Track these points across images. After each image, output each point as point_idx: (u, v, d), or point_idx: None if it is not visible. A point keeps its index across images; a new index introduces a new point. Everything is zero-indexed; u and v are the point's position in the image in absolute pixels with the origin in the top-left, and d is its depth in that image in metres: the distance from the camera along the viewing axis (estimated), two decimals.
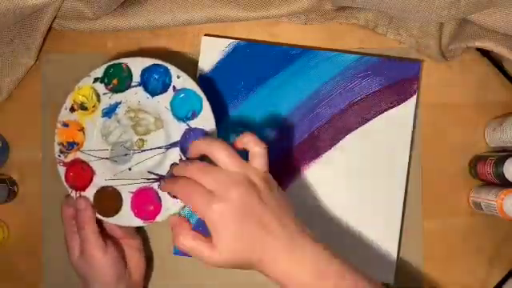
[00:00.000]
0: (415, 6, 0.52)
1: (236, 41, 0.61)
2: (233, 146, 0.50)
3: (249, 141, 0.50)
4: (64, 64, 0.62)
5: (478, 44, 0.59)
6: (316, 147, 0.61)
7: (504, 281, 0.62)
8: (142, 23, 0.60)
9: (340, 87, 0.61)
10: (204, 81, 0.61)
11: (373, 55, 0.61)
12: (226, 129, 0.61)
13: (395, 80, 0.61)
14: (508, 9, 0.53)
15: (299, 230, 0.48)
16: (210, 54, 0.61)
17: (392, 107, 0.61)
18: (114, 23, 0.60)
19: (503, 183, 0.57)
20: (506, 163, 0.55)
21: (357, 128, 0.61)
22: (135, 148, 0.56)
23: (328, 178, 0.61)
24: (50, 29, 0.60)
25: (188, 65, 0.62)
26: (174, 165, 0.55)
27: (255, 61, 0.61)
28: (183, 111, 0.56)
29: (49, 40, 0.62)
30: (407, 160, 0.61)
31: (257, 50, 0.61)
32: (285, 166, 0.61)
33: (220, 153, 0.49)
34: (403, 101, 0.61)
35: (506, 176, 0.55)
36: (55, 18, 0.59)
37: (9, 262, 0.62)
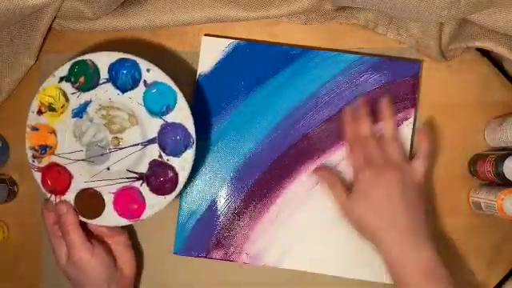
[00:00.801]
0: (415, 6, 0.52)
1: (236, 41, 0.61)
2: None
3: (421, 145, 0.57)
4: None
5: (478, 44, 0.59)
6: (315, 147, 0.61)
7: (504, 281, 0.62)
8: (142, 23, 0.60)
9: (340, 87, 0.61)
10: (204, 81, 0.61)
11: (373, 55, 0.61)
12: (227, 128, 0.61)
13: (395, 80, 0.61)
14: (508, 9, 0.53)
15: (427, 231, 0.54)
16: (210, 54, 0.61)
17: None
18: (114, 23, 0.60)
19: (503, 182, 0.57)
20: (505, 162, 0.55)
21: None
22: (111, 147, 0.55)
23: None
24: (50, 29, 0.60)
25: (188, 65, 0.62)
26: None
27: (255, 61, 0.61)
28: (157, 106, 0.54)
29: (49, 40, 0.62)
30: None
31: (257, 50, 0.61)
32: (284, 164, 0.61)
33: (393, 145, 0.57)
34: (403, 101, 0.61)
35: (506, 175, 0.55)
36: (55, 17, 0.59)
37: (9, 262, 0.62)
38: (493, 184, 0.60)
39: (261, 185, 0.61)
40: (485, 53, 0.62)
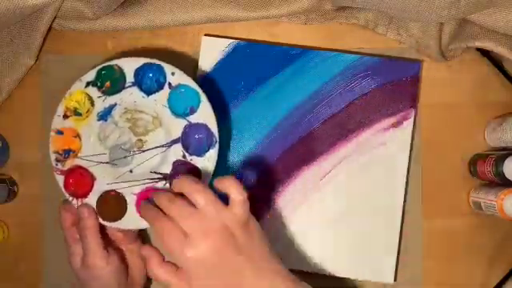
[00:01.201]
0: (415, 6, 0.52)
1: (236, 41, 0.61)
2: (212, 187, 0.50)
3: (229, 185, 0.48)
4: (64, 64, 0.62)
5: (478, 44, 0.59)
6: (314, 147, 0.61)
7: (504, 281, 0.62)
8: (142, 23, 0.60)
9: (340, 87, 0.61)
10: (204, 81, 0.61)
11: (373, 55, 0.61)
12: (228, 129, 0.61)
13: (395, 80, 0.61)
14: (508, 9, 0.53)
15: (279, 279, 0.48)
16: (210, 53, 0.61)
17: (392, 114, 0.61)
18: (114, 23, 0.60)
19: (503, 182, 0.57)
20: (505, 162, 0.55)
21: (356, 130, 0.61)
22: (135, 149, 0.56)
23: (327, 178, 0.61)
24: (50, 29, 0.60)
25: (188, 65, 0.62)
26: (176, 171, 0.55)
27: (255, 61, 0.61)
28: (181, 107, 0.55)
29: (49, 40, 0.62)
30: (407, 160, 0.61)
31: (257, 50, 0.61)
32: (284, 164, 0.61)
33: (200, 197, 0.48)
34: (403, 101, 0.61)
35: (506, 175, 0.55)
36: (55, 17, 0.59)
37: (9, 262, 0.62)
38: (493, 184, 0.60)
39: (261, 185, 0.61)
40: (485, 53, 0.62)
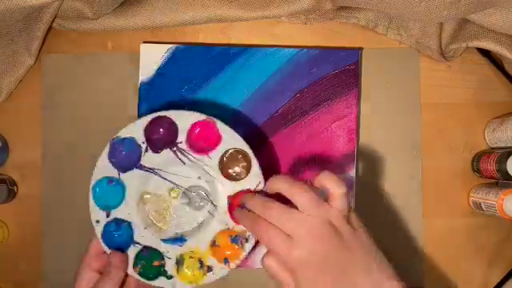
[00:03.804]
0: (415, 6, 0.52)
1: (174, 45, 0.61)
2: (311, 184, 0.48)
3: (328, 181, 0.48)
4: (64, 64, 0.62)
5: (478, 44, 0.59)
6: (264, 141, 0.61)
7: (504, 281, 0.62)
8: (142, 23, 0.60)
9: (281, 82, 0.61)
10: (146, 88, 0.61)
11: (311, 47, 0.61)
12: None
13: (336, 69, 0.61)
14: (508, 9, 0.53)
15: (384, 277, 0.46)
16: (150, 60, 0.61)
17: (334, 98, 0.61)
18: (114, 23, 0.60)
19: (506, 179, 0.57)
20: (509, 160, 0.55)
21: (298, 120, 0.61)
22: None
23: None
24: (49, 29, 0.60)
25: None
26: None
27: (196, 63, 0.61)
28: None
29: (49, 40, 0.62)
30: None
31: (196, 52, 0.61)
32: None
33: (301, 196, 0.46)
34: (346, 89, 0.61)
35: (510, 172, 0.55)
36: (55, 17, 0.59)
37: (9, 262, 0.62)
38: (493, 184, 0.60)
39: None
40: (485, 53, 0.63)
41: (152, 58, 0.61)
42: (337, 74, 0.61)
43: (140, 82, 0.61)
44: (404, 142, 0.62)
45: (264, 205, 0.48)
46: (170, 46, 0.61)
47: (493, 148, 0.62)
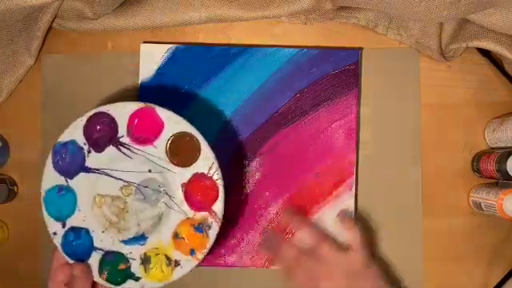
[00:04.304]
0: (415, 6, 0.52)
1: (174, 45, 0.61)
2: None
3: (352, 232, 0.56)
4: (64, 64, 0.62)
5: (478, 44, 0.59)
6: (261, 142, 0.61)
7: (504, 281, 0.62)
8: (142, 23, 0.60)
9: (281, 82, 0.61)
10: (147, 88, 0.61)
11: (311, 47, 0.61)
12: None
13: (336, 69, 0.61)
14: (508, 9, 0.53)
15: None
16: (150, 60, 0.61)
17: (334, 98, 0.61)
18: (114, 23, 0.60)
19: (506, 179, 0.57)
20: (509, 160, 0.55)
21: (298, 119, 0.61)
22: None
23: None
24: (49, 29, 0.60)
25: None
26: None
27: (196, 63, 0.61)
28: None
29: (49, 40, 0.62)
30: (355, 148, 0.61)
31: (196, 52, 0.61)
32: (230, 162, 0.60)
33: (324, 246, 0.55)
34: (345, 89, 0.61)
35: (510, 172, 0.55)
36: (55, 17, 0.59)
37: (9, 262, 0.62)
38: (493, 184, 0.60)
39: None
40: (485, 53, 0.63)
41: (152, 58, 0.61)
42: (337, 74, 0.61)
43: (140, 81, 0.61)
44: (404, 142, 0.62)
45: (295, 258, 0.55)
46: (170, 45, 0.61)
47: (493, 148, 0.62)
